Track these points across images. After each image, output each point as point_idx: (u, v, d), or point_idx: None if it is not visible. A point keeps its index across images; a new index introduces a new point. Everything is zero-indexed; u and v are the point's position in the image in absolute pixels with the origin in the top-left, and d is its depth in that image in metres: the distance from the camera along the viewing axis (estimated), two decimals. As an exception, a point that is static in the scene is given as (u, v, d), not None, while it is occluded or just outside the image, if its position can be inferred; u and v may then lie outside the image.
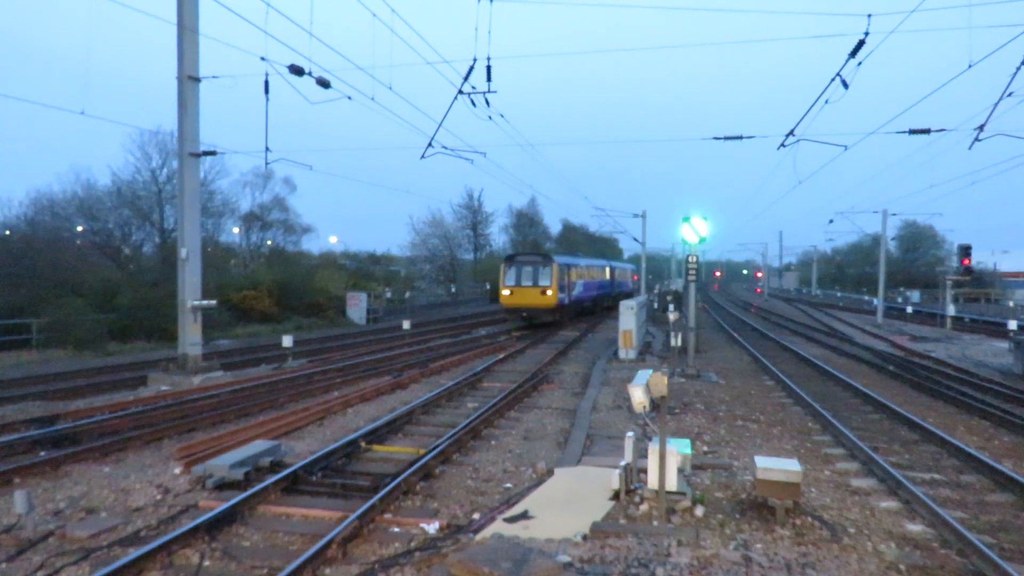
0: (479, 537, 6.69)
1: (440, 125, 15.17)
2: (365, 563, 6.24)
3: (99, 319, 24.15)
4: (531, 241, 70.06)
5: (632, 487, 7.93)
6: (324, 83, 13.66)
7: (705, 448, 10.52)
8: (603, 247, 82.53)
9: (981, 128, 13.02)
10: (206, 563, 6.22)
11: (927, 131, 14.90)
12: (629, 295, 48.42)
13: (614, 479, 7.89)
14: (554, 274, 29.25)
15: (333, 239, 67.94)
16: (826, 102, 13.01)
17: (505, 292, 29.78)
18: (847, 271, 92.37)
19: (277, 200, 50.34)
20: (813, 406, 13.32)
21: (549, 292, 29.07)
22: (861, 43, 11.34)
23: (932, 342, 27.94)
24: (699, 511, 7.43)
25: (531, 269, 29.68)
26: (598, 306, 41.62)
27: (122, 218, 37.51)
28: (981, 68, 12.20)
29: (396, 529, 7.13)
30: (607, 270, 45.18)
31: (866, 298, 64.16)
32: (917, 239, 78.51)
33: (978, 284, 64.61)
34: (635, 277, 56.25)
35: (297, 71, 13.27)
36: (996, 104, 12.24)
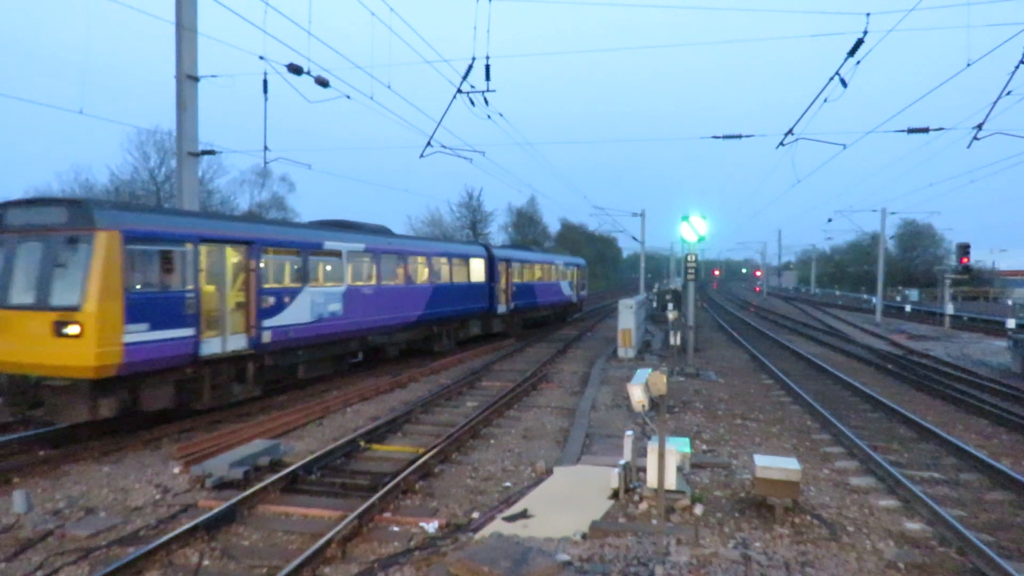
0: (478, 536, 6.69)
1: (439, 124, 15.16)
2: (364, 562, 6.24)
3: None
4: (530, 240, 69.41)
5: (631, 486, 7.94)
6: (323, 82, 13.64)
7: (704, 447, 10.53)
8: (602, 246, 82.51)
9: (979, 127, 13.04)
10: (205, 562, 6.21)
11: (926, 130, 14.92)
12: (564, 308, 33.79)
13: (613, 478, 7.90)
14: (101, 266, 9.09)
15: (332, 238, 67.74)
16: (825, 101, 13.03)
17: None
18: (846, 270, 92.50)
19: (276, 199, 50.57)
20: (812, 405, 13.33)
21: (72, 329, 8.89)
22: (860, 42, 11.34)
23: (931, 340, 27.98)
24: (698, 510, 7.44)
25: (36, 248, 9.50)
26: (441, 337, 20.31)
27: (121, 217, 37.51)
28: (980, 67, 12.25)
29: (395, 528, 7.13)
30: (475, 264, 22.29)
31: (865, 297, 64.20)
32: (916, 238, 78.73)
33: (976, 282, 64.81)
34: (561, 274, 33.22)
35: (296, 70, 13.25)
36: (995, 103, 12.26)
